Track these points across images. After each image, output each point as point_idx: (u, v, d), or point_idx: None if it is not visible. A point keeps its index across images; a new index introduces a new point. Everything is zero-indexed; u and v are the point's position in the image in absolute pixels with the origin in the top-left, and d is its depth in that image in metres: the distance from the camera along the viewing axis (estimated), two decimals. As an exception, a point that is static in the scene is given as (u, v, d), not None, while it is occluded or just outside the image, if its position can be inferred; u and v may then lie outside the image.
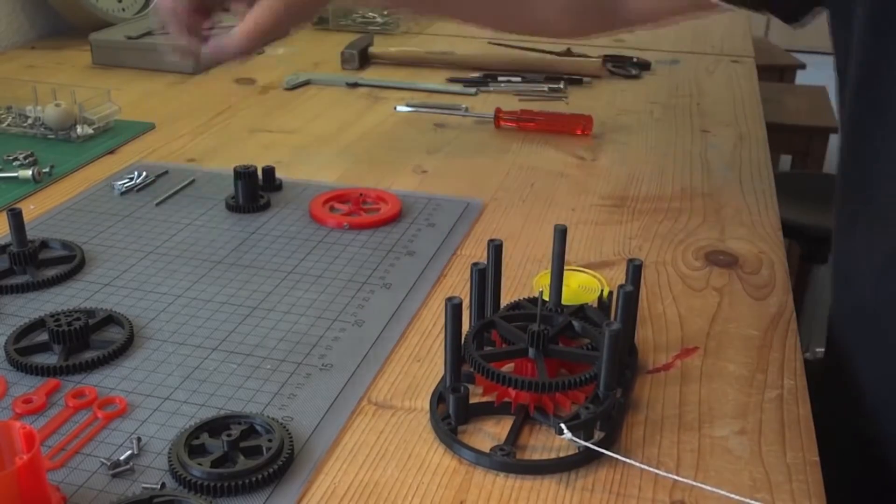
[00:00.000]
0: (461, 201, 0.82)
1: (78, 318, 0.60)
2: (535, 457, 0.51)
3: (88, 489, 0.48)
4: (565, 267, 0.59)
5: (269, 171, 0.83)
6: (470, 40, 1.40)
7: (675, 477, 0.49)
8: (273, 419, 0.52)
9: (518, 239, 0.75)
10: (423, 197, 0.83)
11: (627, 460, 0.50)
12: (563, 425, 0.48)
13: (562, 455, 0.50)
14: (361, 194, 0.81)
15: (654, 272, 0.70)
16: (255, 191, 0.80)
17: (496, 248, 0.57)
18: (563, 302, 0.58)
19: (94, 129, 0.95)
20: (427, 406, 0.54)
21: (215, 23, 0.73)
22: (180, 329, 0.62)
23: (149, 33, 1.25)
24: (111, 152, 0.93)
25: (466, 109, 1.07)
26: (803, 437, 0.52)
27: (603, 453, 0.50)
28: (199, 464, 0.48)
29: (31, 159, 0.88)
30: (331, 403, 0.55)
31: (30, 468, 0.42)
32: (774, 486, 0.49)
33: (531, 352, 0.54)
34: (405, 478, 0.49)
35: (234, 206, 0.80)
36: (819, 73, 2.04)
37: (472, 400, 0.53)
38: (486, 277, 0.57)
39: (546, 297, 0.58)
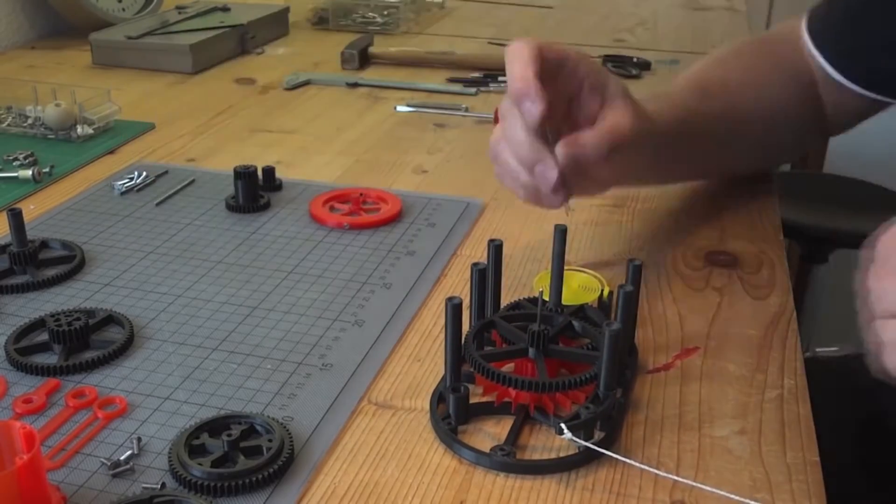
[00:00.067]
0: (461, 201, 0.82)
1: (78, 318, 0.60)
2: (535, 457, 0.51)
3: (88, 489, 0.48)
4: (565, 267, 0.59)
5: (269, 171, 0.83)
6: (470, 40, 1.41)
7: (675, 477, 0.49)
8: (273, 419, 0.52)
9: (518, 239, 0.75)
10: (423, 197, 0.83)
11: (627, 460, 0.50)
12: (563, 425, 0.48)
13: (562, 455, 0.50)
14: (361, 194, 0.81)
15: (654, 272, 0.70)
16: (255, 191, 0.80)
17: (496, 248, 0.57)
18: (563, 302, 0.58)
19: (94, 129, 0.96)
20: (427, 406, 0.55)
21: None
22: (180, 329, 0.62)
23: (149, 33, 1.25)
24: (111, 152, 0.93)
25: (466, 109, 1.07)
26: (803, 437, 0.52)
27: (603, 453, 0.50)
28: (200, 464, 0.48)
29: (31, 159, 0.88)
30: (331, 403, 0.55)
31: (30, 468, 0.42)
32: (774, 486, 0.49)
33: (531, 352, 0.54)
34: (405, 478, 0.49)
35: (234, 206, 0.80)
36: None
37: (472, 400, 0.53)
38: (486, 277, 0.57)
39: (546, 297, 0.58)
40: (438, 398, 0.55)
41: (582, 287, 0.62)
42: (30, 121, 0.97)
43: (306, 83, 1.17)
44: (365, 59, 1.26)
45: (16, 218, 0.68)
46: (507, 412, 0.53)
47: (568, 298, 0.59)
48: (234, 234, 0.76)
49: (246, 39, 1.31)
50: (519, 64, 0.59)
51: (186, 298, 0.66)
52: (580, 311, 0.58)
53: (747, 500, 0.47)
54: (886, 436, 0.86)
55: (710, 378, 0.58)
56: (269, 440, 0.50)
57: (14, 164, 0.88)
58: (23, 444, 0.44)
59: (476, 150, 0.95)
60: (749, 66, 0.82)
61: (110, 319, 0.62)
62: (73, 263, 0.69)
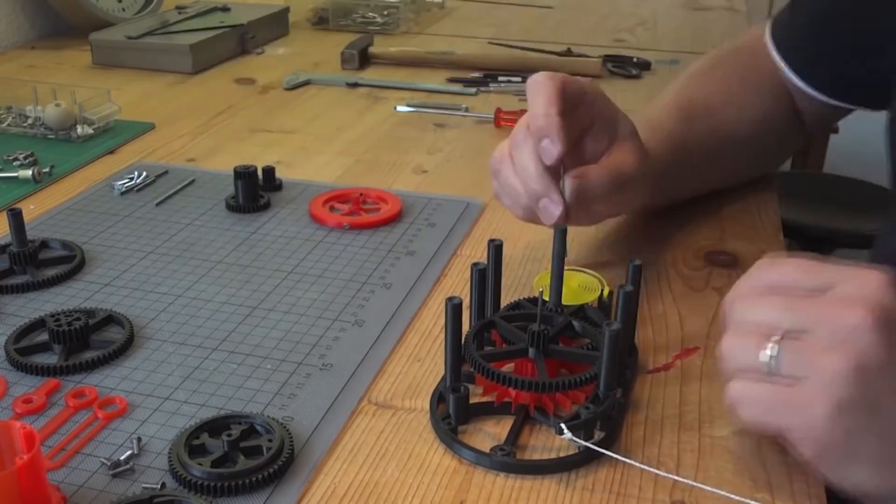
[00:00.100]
0: (461, 201, 0.82)
1: (78, 318, 0.60)
2: (535, 457, 0.51)
3: (88, 489, 0.48)
4: (565, 267, 0.59)
5: (269, 171, 0.83)
6: (470, 40, 1.41)
7: (675, 477, 0.49)
8: (273, 419, 0.52)
9: (518, 239, 0.75)
10: (423, 197, 0.83)
11: (627, 460, 0.50)
12: (563, 425, 0.48)
13: (562, 455, 0.50)
14: (361, 194, 0.81)
15: (654, 272, 0.70)
16: (255, 191, 0.80)
17: (496, 248, 0.57)
18: (563, 302, 0.58)
19: (94, 129, 0.96)
20: (427, 406, 0.55)
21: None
22: (180, 329, 0.62)
23: (149, 33, 1.25)
24: (111, 152, 0.93)
25: (466, 109, 1.07)
26: (803, 437, 0.52)
27: (603, 453, 0.50)
28: (200, 464, 0.48)
29: (31, 159, 0.88)
30: (331, 403, 0.55)
31: (30, 468, 0.42)
32: (774, 486, 0.49)
33: (531, 352, 0.54)
34: (405, 478, 0.49)
35: (234, 206, 0.80)
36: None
37: (472, 400, 0.53)
38: (487, 277, 0.57)
39: (546, 297, 0.57)
40: (438, 398, 0.55)
41: (582, 287, 0.62)
42: (30, 121, 0.97)
43: (306, 83, 1.17)
44: (365, 59, 1.26)
45: (16, 218, 0.68)
46: (507, 412, 0.53)
47: (568, 298, 0.59)
48: (234, 234, 0.76)
49: (246, 39, 1.31)
50: (543, 99, 0.60)
51: (186, 298, 0.66)
52: (580, 311, 0.58)
53: (747, 500, 0.47)
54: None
55: (710, 378, 0.58)
56: (269, 440, 0.50)
57: (14, 164, 0.88)
58: (23, 444, 0.44)
59: (476, 150, 0.95)
60: (727, 83, 0.83)
61: (110, 319, 0.62)
62: (73, 263, 0.69)
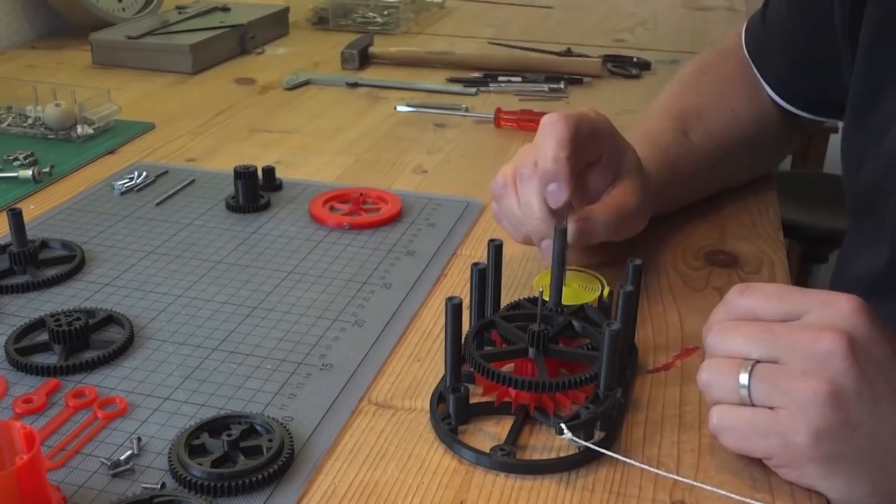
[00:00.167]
0: (461, 201, 0.82)
1: (78, 318, 0.60)
2: (536, 457, 0.51)
3: (88, 489, 0.48)
4: (565, 267, 0.59)
5: (269, 171, 0.83)
6: (470, 40, 1.41)
7: (676, 477, 0.49)
8: (273, 419, 0.52)
9: (518, 239, 0.75)
10: (423, 197, 0.83)
11: (627, 460, 0.50)
12: (563, 425, 0.48)
13: (562, 455, 0.50)
14: (361, 194, 0.81)
15: (654, 272, 0.70)
16: (255, 191, 0.80)
17: (496, 248, 0.57)
18: (563, 302, 0.58)
19: (94, 129, 0.96)
20: (427, 406, 0.54)
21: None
22: (180, 329, 0.62)
23: (149, 33, 1.25)
24: (111, 152, 0.93)
25: (466, 109, 1.07)
26: (803, 437, 0.52)
27: (603, 453, 0.50)
28: (200, 464, 0.48)
29: (31, 159, 0.88)
30: (331, 403, 0.55)
31: (30, 468, 0.42)
32: (774, 486, 0.49)
33: (531, 352, 0.54)
34: (405, 478, 0.49)
35: (234, 206, 0.80)
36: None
37: (473, 400, 0.53)
38: (487, 277, 0.57)
39: (546, 297, 0.57)
40: (438, 398, 0.55)
41: (582, 287, 0.62)
42: (30, 121, 0.97)
43: (306, 83, 1.17)
44: (365, 59, 1.26)
45: (16, 218, 0.68)
46: (507, 412, 0.53)
47: (568, 298, 0.59)
48: (234, 234, 0.76)
49: (246, 39, 1.31)
50: (553, 143, 0.61)
51: (186, 298, 0.66)
52: (580, 311, 0.58)
53: (747, 500, 0.47)
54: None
55: (710, 378, 0.57)
56: (269, 440, 0.50)
57: (14, 164, 0.88)
58: (23, 444, 0.44)
59: (476, 150, 0.95)
60: (718, 90, 0.84)
61: (110, 319, 0.62)
62: (73, 263, 0.69)
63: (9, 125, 0.97)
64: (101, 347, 0.59)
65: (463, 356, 0.53)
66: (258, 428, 0.51)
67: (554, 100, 1.12)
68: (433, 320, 0.64)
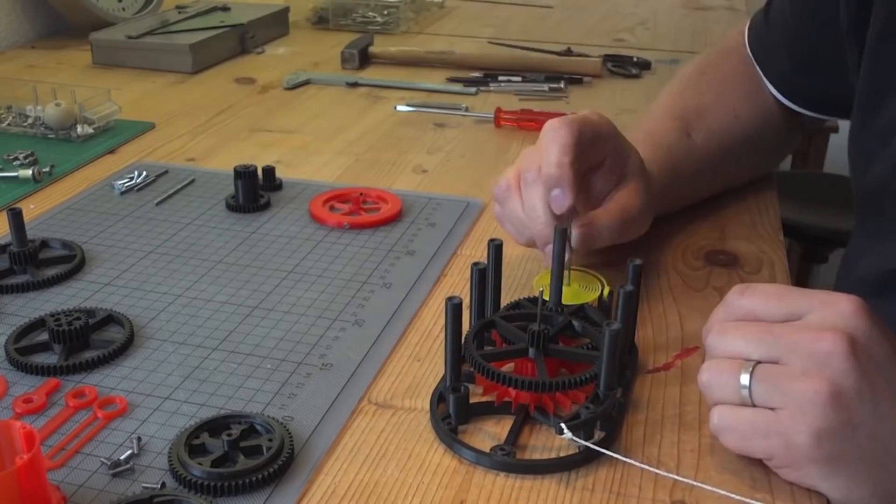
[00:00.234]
0: (461, 201, 0.82)
1: (78, 318, 0.60)
2: (536, 457, 0.51)
3: (88, 489, 0.48)
4: (565, 267, 0.59)
5: (269, 171, 0.83)
6: (470, 40, 1.41)
7: (676, 477, 0.49)
8: (273, 419, 0.52)
9: (518, 239, 0.75)
10: (423, 197, 0.83)
11: (627, 460, 0.50)
12: (563, 425, 0.48)
13: (562, 455, 0.50)
14: (361, 194, 0.81)
15: (654, 272, 0.70)
16: (255, 190, 0.80)
17: (496, 248, 0.57)
18: (563, 302, 0.58)
19: (94, 129, 0.95)
20: (427, 406, 0.54)
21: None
22: (180, 329, 0.62)
23: (149, 33, 1.25)
24: (111, 152, 0.93)
25: (466, 109, 1.07)
26: (803, 437, 0.52)
27: (603, 453, 0.50)
28: (200, 463, 0.48)
29: (31, 159, 0.88)
30: (331, 403, 0.55)
31: (30, 468, 0.42)
32: (774, 486, 0.49)
33: (531, 351, 0.54)
34: (405, 478, 0.49)
35: (234, 206, 0.80)
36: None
37: (473, 400, 0.53)
38: (487, 277, 0.57)
39: (546, 297, 0.57)
40: (438, 398, 0.55)
41: (582, 287, 0.62)
42: (30, 120, 0.97)
43: (306, 83, 1.17)
44: (365, 58, 1.26)
45: (16, 217, 0.68)
46: (507, 412, 0.53)
47: (568, 298, 0.59)
48: (234, 233, 0.76)
49: (246, 39, 1.31)
50: (557, 149, 0.61)
51: (186, 298, 0.66)
52: (580, 310, 0.58)
53: (747, 500, 0.47)
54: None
55: (710, 378, 0.57)
56: (269, 440, 0.50)
57: (14, 163, 0.88)
58: (23, 444, 0.44)
59: (476, 150, 0.95)
60: (720, 89, 0.84)
61: (110, 319, 0.62)
62: (73, 263, 0.69)
63: (9, 125, 0.97)
64: (101, 347, 0.59)
65: (463, 356, 0.53)
66: (258, 428, 0.51)
67: (554, 99, 1.12)
68: (433, 320, 0.64)
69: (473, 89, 1.15)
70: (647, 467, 0.49)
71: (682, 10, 1.65)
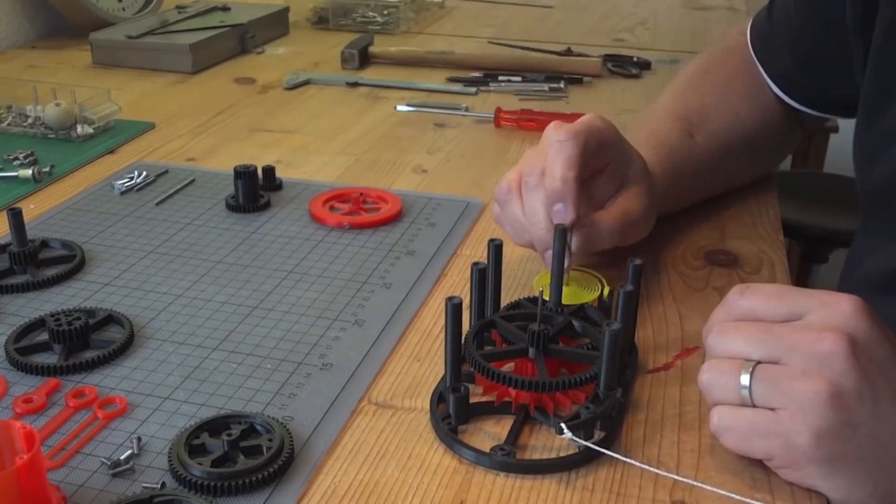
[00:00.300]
0: (461, 201, 0.82)
1: (78, 318, 0.60)
2: (536, 456, 0.51)
3: (88, 489, 0.48)
4: (565, 267, 0.59)
5: (269, 171, 0.83)
6: (470, 40, 1.41)
7: (676, 477, 0.49)
8: (273, 419, 0.52)
9: (518, 239, 0.75)
10: (423, 197, 0.83)
11: (628, 460, 0.50)
12: (563, 425, 0.48)
13: (562, 455, 0.50)
14: (361, 194, 0.81)
15: (654, 272, 0.70)
16: (255, 190, 0.80)
17: (496, 248, 0.57)
18: (563, 302, 0.58)
19: (94, 129, 0.95)
20: (427, 406, 0.54)
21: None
22: (180, 329, 0.62)
23: (149, 33, 1.25)
24: (111, 152, 0.93)
25: (466, 109, 1.07)
26: (803, 437, 0.52)
27: (603, 453, 0.50)
28: (200, 463, 0.48)
29: (31, 159, 0.88)
30: (331, 403, 0.55)
31: (30, 468, 0.42)
32: (774, 486, 0.49)
33: (531, 351, 0.54)
34: (405, 478, 0.49)
35: (234, 206, 0.80)
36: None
37: (473, 400, 0.53)
38: (487, 277, 0.57)
39: (546, 297, 0.57)
40: (438, 398, 0.55)
41: (582, 287, 0.62)
42: (30, 120, 0.97)
43: (306, 83, 1.17)
44: (365, 58, 1.26)
45: (16, 217, 0.68)
46: (507, 412, 0.53)
47: (568, 298, 0.59)
48: (234, 233, 0.76)
49: (246, 39, 1.31)
50: (562, 162, 0.61)
51: (186, 298, 0.66)
52: (580, 310, 0.58)
53: (747, 500, 0.47)
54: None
55: (710, 378, 0.57)
56: (269, 440, 0.50)
57: (14, 163, 0.88)
58: (23, 444, 0.44)
59: (476, 150, 0.95)
60: (721, 89, 0.84)
61: (110, 319, 0.62)
62: (73, 263, 0.69)
63: (9, 125, 0.97)
64: (101, 347, 0.59)
65: (463, 356, 0.53)
66: (258, 428, 0.51)
67: (554, 99, 1.12)
68: (433, 320, 0.64)
69: (473, 89, 1.15)
70: (647, 467, 0.49)
71: (682, 10, 1.65)
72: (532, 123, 1.00)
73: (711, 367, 0.49)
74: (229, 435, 0.49)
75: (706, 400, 0.50)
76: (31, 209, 0.79)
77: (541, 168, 0.62)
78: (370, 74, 1.22)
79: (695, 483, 0.48)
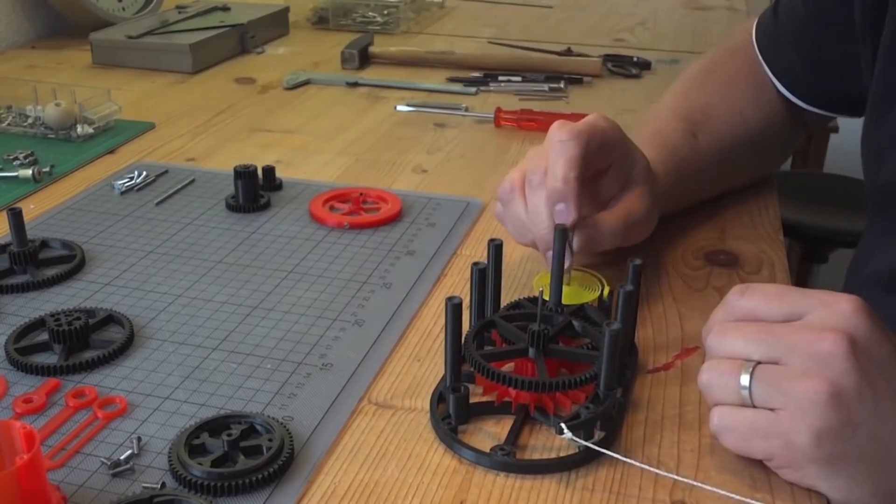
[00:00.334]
0: (461, 201, 0.82)
1: (78, 318, 0.60)
2: (536, 457, 0.51)
3: (88, 489, 0.48)
4: (565, 266, 0.59)
5: (269, 171, 0.83)
6: (470, 40, 1.41)
7: (676, 477, 0.49)
8: (273, 419, 0.52)
9: (518, 239, 0.75)
10: (423, 196, 0.83)
11: (627, 460, 0.50)
12: (563, 425, 0.48)
13: (562, 455, 0.50)
14: (361, 194, 0.81)
15: (654, 272, 0.70)
16: (255, 190, 0.80)
17: (496, 248, 0.57)
18: (563, 302, 0.58)
19: (94, 129, 0.95)
20: (427, 406, 0.54)
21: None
22: (180, 329, 0.62)
23: (149, 33, 1.25)
24: (111, 152, 0.93)
25: (466, 109, 1.07)
26: (803, 437, 0.52)
27: (603, 453, 0.50)
28: (200, 463, 0.48)
29: (31, 159, 0.88)
30: (331, 403, 0.55)
31: (30, 468, 0.42)
32: (774, 486, 0.49)
33: (531, 351, 0.54)
34: (405, 478, 0.49)
35: (234, 206, 0.80)
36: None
37: (473, 400, 0.53)
38: (487, 277, 0.57)
39: (546, 297, 0.57)
40: (438, 398, 0.55)
41: (582, 287, 0.62)
42: (30, 120, 0.97)
43: (306, 83, 1.17)
44: (365, 58, 1.26)
45: (16, 217, 0.68)
46: (507, 412, 0.53)
47: (568, 298, 0.59)
48: (234, 233, 0.76)
49: (246, 39, 1.31)
50: (563, 162, 0.61)
51: (186, 298, 0.66)
52: (580, 310, 0.58)
53: (747, 500, 0.47)
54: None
55: (710, 378, 0.57)
56: (269, 440, 0.50)
57: (14, 163, 0.88)
58: (23, 444, 0.44)
59: (476, 150, 0.95)
60: (726, 89, 0.84)
61: (110, 319, 0.62)
62: (73, 263, 0.69)
63: (9, 125, 0.97)
64: (101, 347, 0.59)
65: (463, 356, 0.53)
66: (258, 428, 0.51)
67: (554, 99, 1.12)
68: (433, 320, 0.64)
69: (473, 89, 1.15)
70: (647, 467, 0.49)
71: (682, 10, 1.65)
72: (532, 123, 1.00)
73: (711, 368, 0.49)
74: (229, 435, 0.49)
75: (706, 400, 0.50)
76: (31, 209, 0.79)
77: (544, 167, 0.62)
78: (370, 74, 1.22)
79: (695, 483, 0.48)
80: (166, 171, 0.87)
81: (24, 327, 0.61)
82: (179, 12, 1.37)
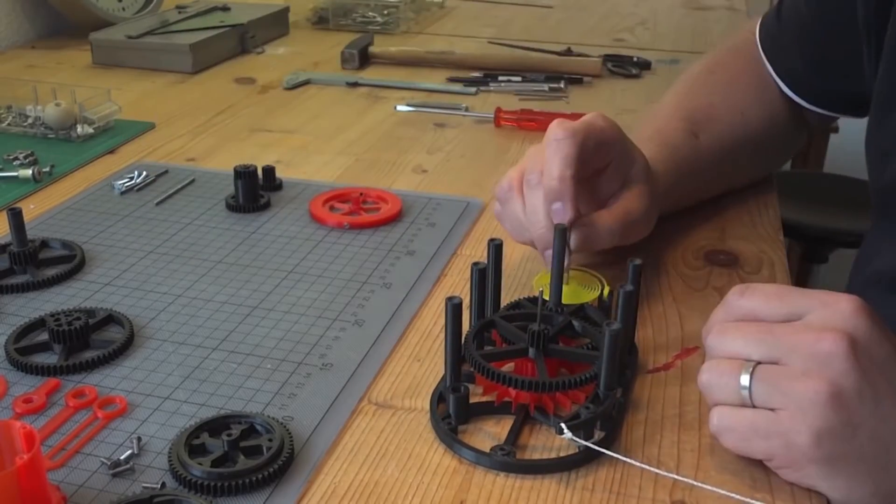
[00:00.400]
0: (461, 201, 0.82)
1: (78, 318, 0.60)
2: (536, 456, 0.51)
3: (88, 489, 0.48)
4: (565, 266, 0.59)
5: (269, 171, 0.83)
6: (470, 40, 1.41)
7: (676, 476, 0.49)
8: (273, 419, 0.52)
9: (518, 239, 0.75)
10: (423, 196, 0.83)
11: (627, 460, 0.50)
12: (563, 425, 0.48)
13: (562, 455, 0.50)
14: (361, 194, 0.81)
15: (654, 272, 0.70)
16: (255, 190, 0.80)
17: (496, 248, 0.57)
18: (563, 301, 0.58)
19: (94, 129, 0.95)
20: (427, 406, 0.54)
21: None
22: (180, 329, 0.62)
23: (149, 33, 1.25)
24: (111, 152, 0.93)
25: (466, 109, 1.07)
26: (803, 437, 0.52)
27: (603, 453, 0.50)
28: (200, 463, 0.48)
29: (31, 159, 0.88)
30: (331, 403, 0.55)
31: (30, 468, 0.42)
32: (774, 486, 0.49)
33: (531, 351, 0.54)
34: (405, 478, 0.49)
35: (234, 206, 0.80)
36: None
37: (473, 400, 0.53)
38: (487, 277, 0.57)
39: (546, 297, 0.57)
40: (438, 398, 0.55)
41: (582, 287, 0.62)
42: (30, 120, 0.97)
43: (306, 83, 1.17)
44: (365, 58, 1.26)
45: (16, 217, 0.68)
46: (507, 412, 0.53)
47: (568, 298, 0.59)
48: (234, 233, 0.76)
49: (246, 39, 1.31)
50: (559, 161, 0.61)
51: (186, 298, 0.66)
52: (580, 310, 0.58)
53: (747, 500, 0.47)
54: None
55: (710, 378, 0.57)
56: (269, 440, 0.50)
57: (14, 163, 0.88)
58: (23, 444, 0.44)
59: (476, 150, 0.95)
60: (728, 88, 0.84)
61: (110, 319, 0.62)
62: (73, 263, 0.69)
63: (9, 125, 0.97)
64: (101, 347, 0.59)
65: (463, 356, 0.53)
66: (258, 428, 0.51)
67: (554, 99, 1.12)
68: (433, 320, 0.64)
69: (473, 89, 1.15)
70: (647, 467, 0.49)
71: (682, 10, 1.65)
72: (532, 123, 1.00)
73: (711, 368, 0.49)
74: (229, 435, 0.49)
75: (706, 400, 0.50)
76: (31, 209, 0.79)
77: (541, 166, 0.62)
78: (370, 74, 1.22)
79: (695, 483, 0.48)
80: (166, 171, 0.87)
81: (24, 327, 0.61)
82: (179, 12, 1.37)
